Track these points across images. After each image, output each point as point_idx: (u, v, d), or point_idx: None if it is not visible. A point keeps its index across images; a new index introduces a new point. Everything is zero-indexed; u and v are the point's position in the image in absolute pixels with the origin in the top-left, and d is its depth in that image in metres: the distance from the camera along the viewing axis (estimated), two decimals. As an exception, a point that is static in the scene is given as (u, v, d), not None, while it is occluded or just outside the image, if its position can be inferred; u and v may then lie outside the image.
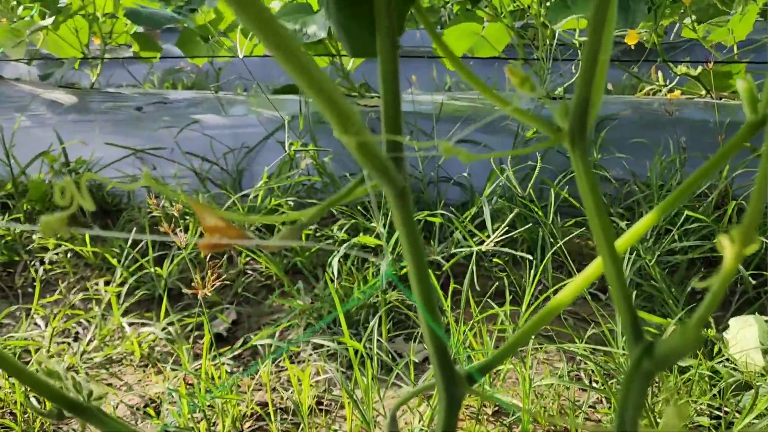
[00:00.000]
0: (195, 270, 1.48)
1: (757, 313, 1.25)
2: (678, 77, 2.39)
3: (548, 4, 2.25)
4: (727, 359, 1.17)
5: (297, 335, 1.38)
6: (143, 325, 1.41)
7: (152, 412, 1.16)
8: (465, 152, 0.35)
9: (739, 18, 2.27)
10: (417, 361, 1.26)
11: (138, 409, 1.18)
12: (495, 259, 1.56)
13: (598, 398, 1.18)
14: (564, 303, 0.37)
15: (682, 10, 2.50)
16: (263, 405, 1.17)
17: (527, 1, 2.40)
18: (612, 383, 1.14)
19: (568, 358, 1.25)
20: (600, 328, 1.23)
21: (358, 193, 0.36)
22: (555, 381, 1.13)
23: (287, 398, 1.19)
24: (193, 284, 1.28)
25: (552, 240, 1.54)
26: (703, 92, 2.32)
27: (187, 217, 1.68)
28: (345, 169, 1.90)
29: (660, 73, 2.54)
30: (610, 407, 1.13)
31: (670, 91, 2.38)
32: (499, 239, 1.50)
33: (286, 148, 1.92)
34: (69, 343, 1.36)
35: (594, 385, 1.19)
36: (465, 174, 1.86)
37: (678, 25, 2.78)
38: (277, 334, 1.37)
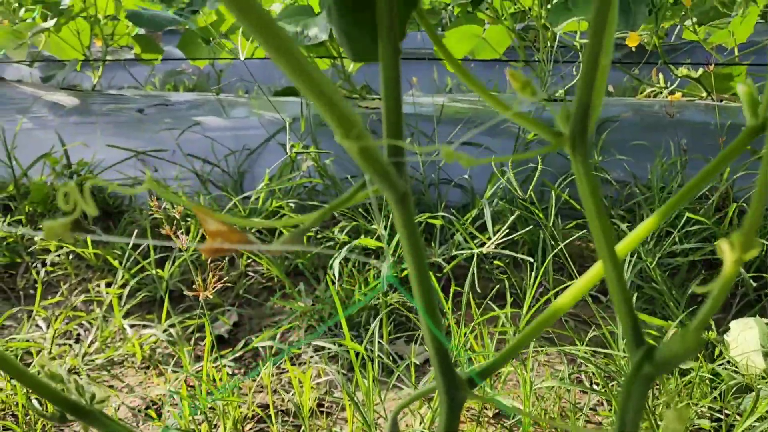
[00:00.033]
0: (196, 272, 1.48)
1: (757, 316, 1.25)
2: (679, 79, 2.39)
3: (549, 6, 2.25)
4: (728, 362, 1.17)
5: (298, 337, 1.38)
6: (144, 326, 1.41)
7: (153, 414, 1.16)
8: (466, 157, 0.35)
9: (740, 20, 2.28)
10: (418, 363, 1.26)
11: (139, 410, 1.18)
12: (496, 262, 1.56)
13: (599, 401, 1.18)
14: (564, 307, 0.37)
15: (683, 12, 2.51)
16: (264, 407, 1.17)
17: (528, 3, 2.40)
18: (613, 386, 1.14)
19: (569, 360, 1.25)
20: (601, 330, 1.23)
21: (359, 198, 0.37)
22: (556, 383, 1.13)
23: (288, 400, 1.19)
24: (194, 286, 1.28)
25: (553, 242, 1.54)
26: (704, 94, 2.32)
27: (189, 219, 1.68)
28: (346, 171, 1.90)
29: (661, 75, 2.54)
30: (611, 410, 1.13)
31: (671, 93, 2.38)
32: (500, 241, 1.50)
33: (288, 150, 1.92)
34: (70, 345, 1.37)
35: (595, 387, 1.19)
36: (466, 176, 1.86)
37: (679, 27, 2.79)
38: (278, 336, 1.37)
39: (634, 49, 2.43)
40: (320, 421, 1.14)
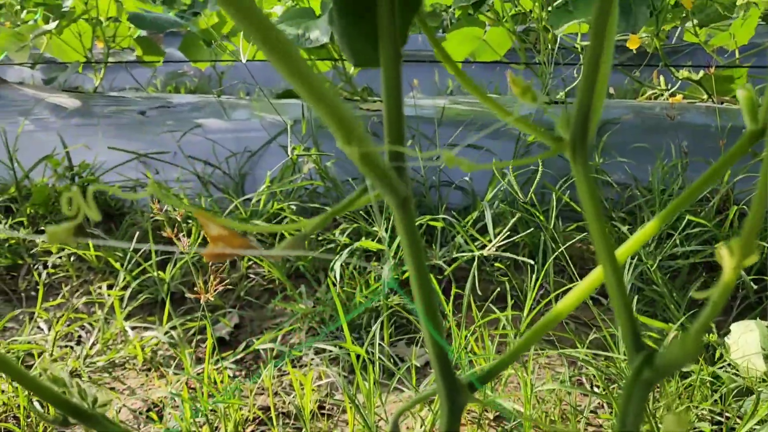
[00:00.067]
0: (198, 274, 1.48)
1: (758, 318, 1.25)
2: (680, 81, 2.39)
3: (550, 8, 2.26)
4: (729, 364, 1.17)
5: (299, 339, 1.38)
6: (146, 329, 1.41)
7: (155, 417, 1.16)
8: (467, 162, 0.35)
9: (741, 22, 2.28)
10: (419, 365, 1.27)
11: (140, 413, 1.19)
12: (497, 264, 1.56)
13: (599, 403, 1.18)
14: (564, 312, 0.37)
15: (683, 15, 2.51)
16: (265, 409, 1.18)
17: (529, 6, 2.41)
18: (614, 388, 1.15)
19: (569, 362, 1.25)
20: (601, 332, 1.23)
21: (360, 203, 0.37)
22: (557, 386, 1.13)
23: (289, 402, 1.19)
24: (195, 288, 1.28)
25: (553, 244, 1.54)
26: (705, 96, 2.32)
27: (190, 221, 1.68)
28: (347, 173, 1.91)
29: (662, 78, 2.54)
30: (611, 412, 1.13)
31: (672, 95, 2.38)
32: (500, 244, 1.50)
33: (289, 153, 1.92)
34: (72, 347, 1.37)
35: (595, 390, 1.19)
36: (466, 178, 1.86)
37: (680, 29, 2.79)
38: (279, 338, 1.38)
39: (635, 51, 2.43)
40: (321, 423, 1.14)
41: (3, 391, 1.16)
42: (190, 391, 1.22)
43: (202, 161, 1.99)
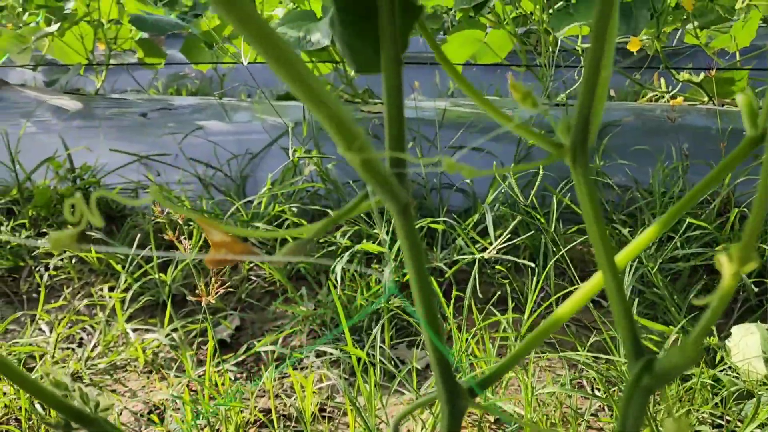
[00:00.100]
0: (199, 276, 1.48)
1: (759, 321, 1.25)
2: (680, 84, 2.39)
3: (551, 11, 2.26)
4: (729, 367, 1.17)
5: (300, 341, 1.38)
6: (147, 331, 1.41)
7: (156, 419, 1.16)
8: (468, 168, 0.36)
9: (741, 24, 2.28)
10: (420, 368, 1.27)
11: (142, 415, 1.19)
12: (497, 266, 1.57)
13: (600, 406, 1.18)
14: (565, 317, 0.38)
15: (684, 17, 2.51)
16: (266, 412, 1.18)
17: (530, 8, 2.41)
18: (614, 391, 1.15)
19: (570, 365, 1.25)
20: (602, 335, 1.23)
21: (361, 209, 0.37)
22: (557, 389, 1.13)
23: (290, 405, 1.19)
24: (197, 290, 1.28)
25: (554, 247, 1.54)
26: (706, 99, 2.32)
27: (191, 224, 1.69)
28: (348, 175, 1.91)
29: (662, 80, 2.54)
30: (612, 415, 1.13)
31: (673, 97, 2.38)
32: (501, 246, 1.50)
33: (290, 155, 1.92)
34: (73, 349, 1.37)
35: (596, 393, 1.19)
36: (467, 181, 1.86)
37: (680, 31, 2.79)
38: (280, 341, 1.38)
39: (635, 54, 2.43)
40: (322, 426, 1.14)
41: (5, 394, 1.16)
42: (192, 393, 1.22)
43: (203, 163, 2.00)
